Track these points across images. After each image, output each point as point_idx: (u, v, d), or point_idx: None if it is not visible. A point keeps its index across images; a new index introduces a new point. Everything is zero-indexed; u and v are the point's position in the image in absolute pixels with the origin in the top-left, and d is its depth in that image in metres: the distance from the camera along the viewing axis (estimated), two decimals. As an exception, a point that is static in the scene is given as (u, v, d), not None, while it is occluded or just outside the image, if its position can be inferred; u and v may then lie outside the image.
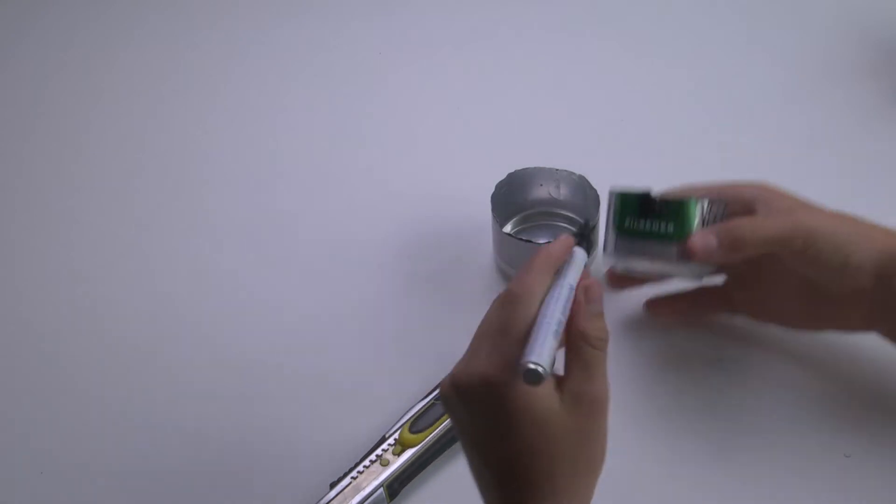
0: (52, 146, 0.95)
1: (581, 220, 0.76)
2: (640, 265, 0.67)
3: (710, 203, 0.64)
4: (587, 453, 0.53)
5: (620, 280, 0.74)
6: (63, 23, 1.08)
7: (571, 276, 0.55)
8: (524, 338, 0.51)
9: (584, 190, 0.77)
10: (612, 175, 0.79)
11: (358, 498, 0.64)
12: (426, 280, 0.79)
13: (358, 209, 0.86)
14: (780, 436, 0.67)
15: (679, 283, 0.72)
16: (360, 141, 0.92)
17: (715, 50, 0.97)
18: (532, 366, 0.48)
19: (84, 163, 0.93)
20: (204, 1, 1.09)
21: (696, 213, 0.63)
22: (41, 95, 1.01)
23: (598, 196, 0.75)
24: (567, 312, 0.53)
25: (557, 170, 0.79)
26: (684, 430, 0.68)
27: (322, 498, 0.64)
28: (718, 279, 0.71)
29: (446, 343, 0.72)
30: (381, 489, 0.64)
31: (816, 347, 0.72)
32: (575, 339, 0.54)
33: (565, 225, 0.80)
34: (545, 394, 0.52)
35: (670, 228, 0.62)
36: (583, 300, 0.55)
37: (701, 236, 0.63)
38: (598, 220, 0.75)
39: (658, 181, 0.85)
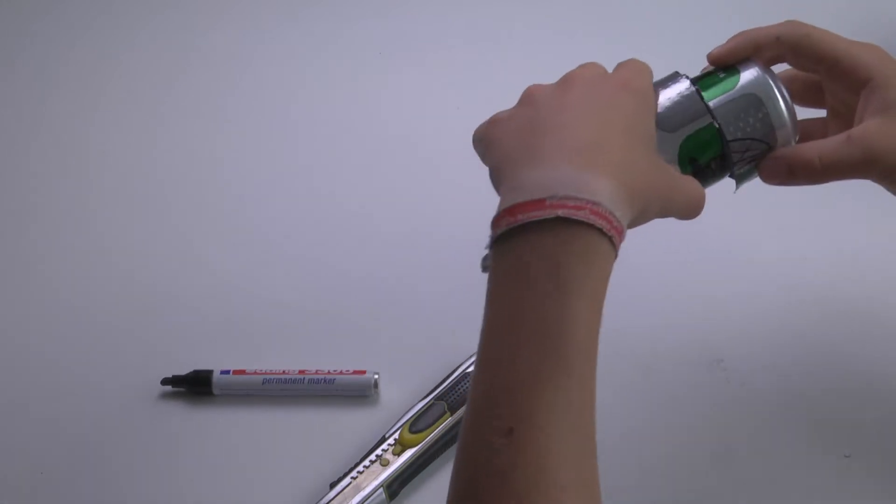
0: (54, 146, 0.95)
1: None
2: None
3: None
4: None
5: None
6: (64, 23, 1.08)
7: None
8: None
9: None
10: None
11: (358, 498, 0.64)
12: (426, 280, 0.79)
13: (358, 209, 0.86)
14: (780, 436, 0.67)
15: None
16: (360, 141, 0.92)
17: (715, 50, 0.97)
18: None
19: (85, 163, 0.93)
20: (203, 2, 1.09)
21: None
22: (43, 96, 1.01)
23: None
24: None
25: (557, 170, 0.79)
26: (682, 431, 0.68)
27: (322, 498, 0.64)
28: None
29: (447, 342, 0.72)
30: (381, 489, 0.65)
31: (817, 347, 0.72)
32: None
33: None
34: None
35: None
36: None
37: (769, 166, 0.57)
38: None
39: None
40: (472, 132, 0.57)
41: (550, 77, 0.58)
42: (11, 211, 0.89)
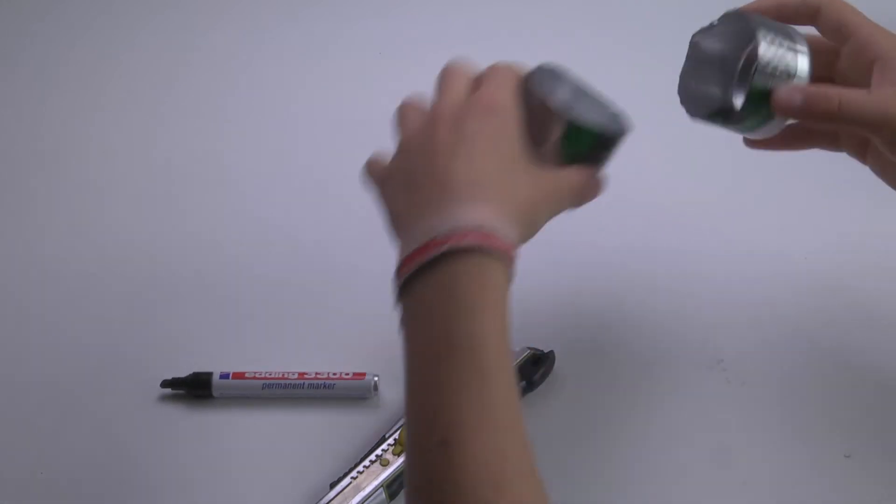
0: (54, 146, 0.95)
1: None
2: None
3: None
4: None
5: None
6: (64, 23, 1.08)
7: None
8: None
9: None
10: (612, 173, 0.79)
11: (358, 498, 0.64)
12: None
13: (358, 210, 0.86)
14: (780, 436, 0.67)
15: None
16: (360, 141, 0.92)
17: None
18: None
19: (85, 163, 0.93)
20: (203, 2, 1.09)
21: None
22: (43, 96, 1.01)
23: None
24: None
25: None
26: (681, 430, 0.68)
27: (322, 498, 0.64)
28: None
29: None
30: (381, 489, 0.65)
31: (817, 347, 0.72)
32: None
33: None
34: None
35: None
36: None
37: (787, 91, 0.58)
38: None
39: (661, 178, 0.86)
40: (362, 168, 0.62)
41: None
42: (11, 211, 0.89)
